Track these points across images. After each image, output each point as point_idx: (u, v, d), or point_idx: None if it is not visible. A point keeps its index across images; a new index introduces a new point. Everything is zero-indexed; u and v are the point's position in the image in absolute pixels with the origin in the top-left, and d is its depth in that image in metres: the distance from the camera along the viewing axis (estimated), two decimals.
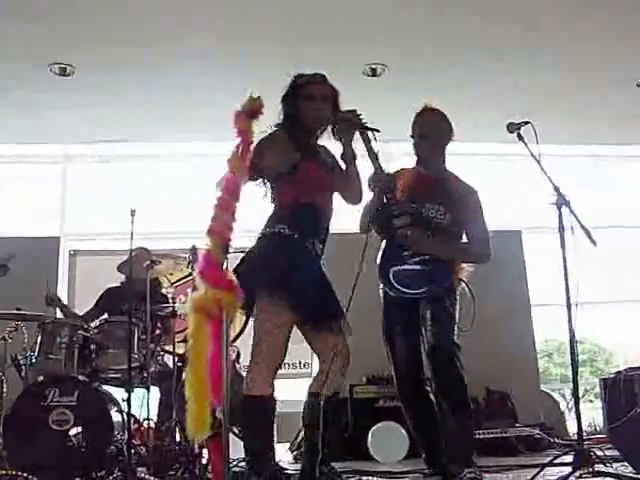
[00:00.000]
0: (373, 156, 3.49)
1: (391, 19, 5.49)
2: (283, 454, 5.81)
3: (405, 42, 5.82)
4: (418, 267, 3.53)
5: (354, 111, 3.37)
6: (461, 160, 6.87)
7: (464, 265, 3.67)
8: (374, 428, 5.52)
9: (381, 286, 3.65)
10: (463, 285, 3.64)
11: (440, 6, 5.35)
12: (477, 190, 3.74)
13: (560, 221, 3.22)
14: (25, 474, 3.84)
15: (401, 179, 3.72)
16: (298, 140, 3.29)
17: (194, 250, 4.11)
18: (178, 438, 4.47)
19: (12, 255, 4.41)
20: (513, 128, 3.37)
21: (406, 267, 3.54)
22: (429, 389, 3.56)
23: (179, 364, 4.51)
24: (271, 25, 5.52)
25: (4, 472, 3.90)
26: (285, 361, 6.67)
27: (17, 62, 5.88)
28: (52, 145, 7.75)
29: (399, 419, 4.94)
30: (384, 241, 3.68)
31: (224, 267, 2.72)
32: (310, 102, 3.36)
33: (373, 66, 6.16)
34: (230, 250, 2.72)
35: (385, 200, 3.55)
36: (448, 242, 3.62)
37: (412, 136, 3.76)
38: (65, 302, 5.61)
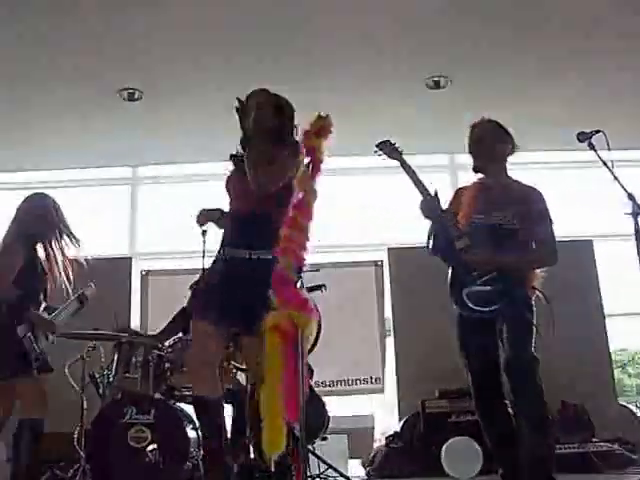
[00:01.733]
0: (417, 183, 3.62)
1: (454, 30, 5.47)
2: (356, 469, 5.80)
3: (468, 54, 5.78)
4: (488, 287, 3.52)
5: None
6: (531, 169, 6.86)
7: (537, 271, 3.63)
8: (447, 443, 5.46)
9: (454, 306, 3.64)
10: (537, 293, 3.60)
11: (503, 16, 5.31)
12: (540, 191, 3.70)
13: (636, 230, 3.15)
14: None
15: (463, 195, 3.77)
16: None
17: None
18: (252, 454, 4.50)
19: (91, 290, 4.51)
20: (584, 137, 3.32)
21: (477, 288, 3.54)
22: (507, 403, 3.51)
23: (252, 381, 4.54)
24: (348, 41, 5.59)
25: None
26: (356, 376, 6.71)
27: (87, 89, 6.07)
28: (121, 168, 7.95)
29: (473, 434, 4.89)
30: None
31: (298, 286, 2.74)
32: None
33: (436, 78, 6.14)
34: (304, 269, 2.74)
35: (441, 225, 3.59)
36: (513, 252, 3.56)
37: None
38: (136, 326, 5.69)
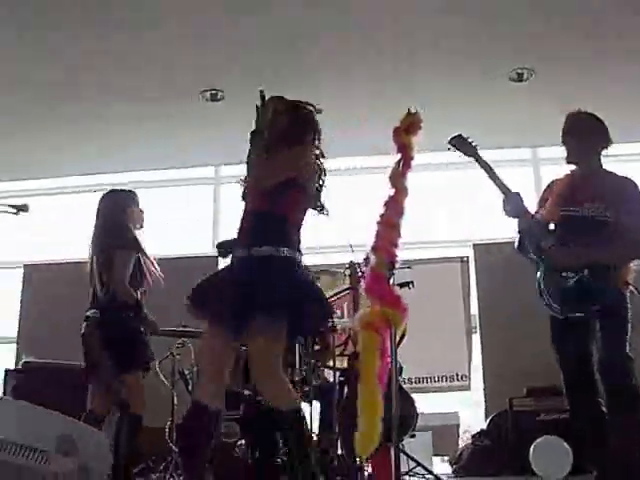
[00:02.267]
0: (495, 180, 3.50)
1: (536, 23, 5.36)
2: (441, 467, 5.77)
3: (552, 46, 5.65)
4: (579, 285, 3.40)
5: None
6: (619, 161, 6.65)
7: (631, 266, 3.51)
8: (536, 442, 5.36)
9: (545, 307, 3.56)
10: (631, 288, 3.49)
11: (585, 7, 5.18)
12: (635, 181, 3.57)
13: None
14: None
15: (556, 186, 3.68)
16: None
17: (353, 266, 4.17)
18: (339, 451, 4.52)
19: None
20: None
21: (567, 287, 3.43)
22: (601, 402, 3.42)
23: (340, 378, 4.57)
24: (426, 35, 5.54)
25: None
26: (441, 373, 6.66)
27: (171, 91, 6.19)
28: (204, 168, 8.08)
29: (562, 433, 4.79)
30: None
31: (390, 283, 2.74)
32: None
33: (519, 71, 6.03)
34: (396, 266, 2.73)
35: (527, 223, 3.51)
36: (606, 245, 3.43)
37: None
38: None
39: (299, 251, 3.07)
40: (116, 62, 5.72)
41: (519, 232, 3.61)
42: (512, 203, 3.54)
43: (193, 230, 8.08)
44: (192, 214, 8.16)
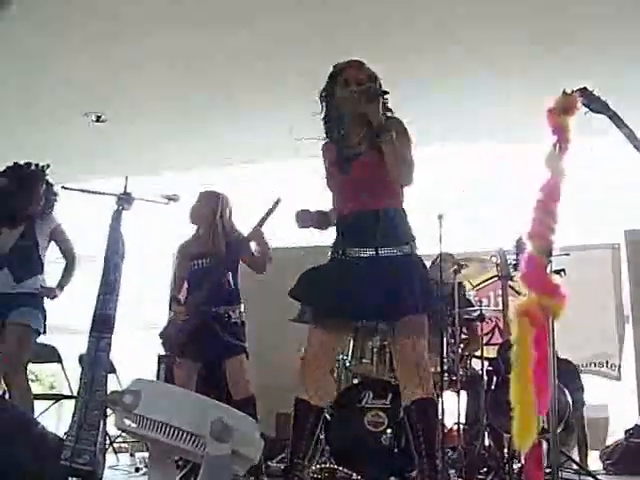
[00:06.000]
0: (635, 142, 3.03)
1: None
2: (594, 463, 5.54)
3: None
4: None
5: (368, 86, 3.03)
6: None
7: None
8: None
9: None
10: None
11: None
12: None
13: None
14: (345, 470, 4.10)
15: None
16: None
17: (502, 253, 4.06)
18: (487, 442, 4.44)
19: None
20: None
21: None
22: None
23: (488, 368, 4.48)
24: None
25: (327, 466, 4.19)
26: (592, 364, 6.40)
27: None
28: None
29: None
30: None
31: (548, 271, 2.62)
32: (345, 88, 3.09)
33: None
34: (553, 253, 2.61)
35: None
36: None
37: None
38: None
39: None
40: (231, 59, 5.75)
41: None
42: None
43: None
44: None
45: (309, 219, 3.21)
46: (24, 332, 4.13)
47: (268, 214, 4.07)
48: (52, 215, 4.41)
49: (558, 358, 4.64)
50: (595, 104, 3.08)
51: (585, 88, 3.01)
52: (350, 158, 3.04)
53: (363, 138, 3.08)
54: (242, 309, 4.37)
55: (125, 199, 3.17)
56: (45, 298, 4.32)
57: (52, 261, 4.53)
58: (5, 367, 4.13)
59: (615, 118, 3.07)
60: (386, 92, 3.02)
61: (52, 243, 4.45)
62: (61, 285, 4.36)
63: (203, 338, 4.17)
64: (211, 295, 4.22)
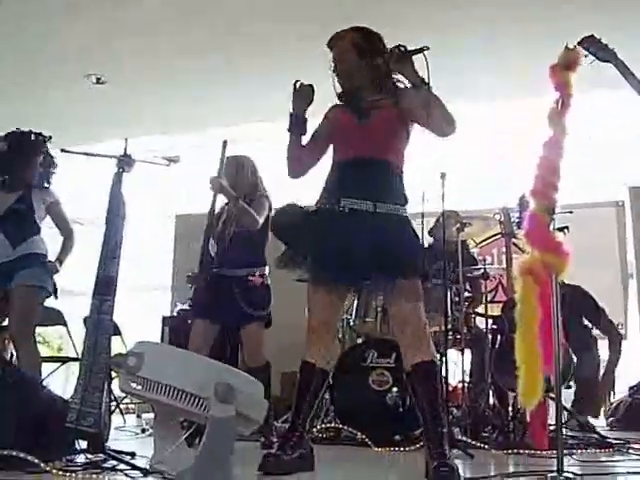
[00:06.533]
0: (637, 87, 2.92)
1: None
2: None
3: None
4: None
5: (397, 46, 2.96)
6: None
7: None
8: None
9: None
10: None
11: None
12: None
13: None
14: (349, 429, 4.15)
15: None
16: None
17: (505, 211, 4.03)
18: (492, 401, 4.45)
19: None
20: None
21: None
22: None
23: (492, 326, 4.48)
24: None
25: (332, 426, 4.28)
26: None
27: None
28: None
29: None
30: None
31: (550, 228, 2.61)
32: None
33: None
34: (556, 211, 2.59)
35: None
36: None
37: None
38: None
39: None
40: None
41: None
42: None
43: None
44: None
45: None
46: (31, 293, 4.09)
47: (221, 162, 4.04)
48: (51, 190, 4.35)
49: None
50: (602, 52, 2.98)
51: (592, 36, 2.96)
52: (368, 108, 3.01)
53: (378, 91, 3.06)
54: (266, 272, 4.23)
55: (125, 161, 3.14)
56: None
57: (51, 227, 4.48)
58: (14, 331, 4.12)
59: (621, 67, 2.97)
60: (408, 50, 2.95)
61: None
62: (60, 260, 4.32)
63: (222, 302, 4.11)
64: (232, 257, 4.20)
